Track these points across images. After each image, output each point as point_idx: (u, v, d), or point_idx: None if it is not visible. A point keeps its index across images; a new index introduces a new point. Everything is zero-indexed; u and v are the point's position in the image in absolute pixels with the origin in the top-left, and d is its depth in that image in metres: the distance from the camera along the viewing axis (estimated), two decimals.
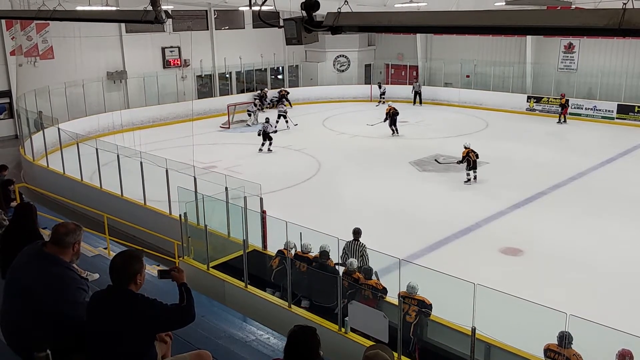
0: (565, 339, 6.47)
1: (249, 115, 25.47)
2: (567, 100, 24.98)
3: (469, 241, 12.44)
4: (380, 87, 30.20)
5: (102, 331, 3.33)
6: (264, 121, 21.08)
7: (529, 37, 26.54)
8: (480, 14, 4.60)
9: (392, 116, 22.84)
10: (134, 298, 3.36)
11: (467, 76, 29.66)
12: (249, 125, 25.14)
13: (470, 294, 6.37)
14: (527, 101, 27.23)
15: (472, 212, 13.89)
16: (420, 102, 29.85)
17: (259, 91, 29.06)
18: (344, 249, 9.43)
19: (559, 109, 25.12)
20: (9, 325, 3.63)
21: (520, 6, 19.00)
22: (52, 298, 3.50)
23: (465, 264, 10.50)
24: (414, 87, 30.17)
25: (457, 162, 16.75)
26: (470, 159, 16.27)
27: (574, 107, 25.79)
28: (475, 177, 16.42)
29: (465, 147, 16.45)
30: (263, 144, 20.44)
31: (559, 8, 18.63)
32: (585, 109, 25.61)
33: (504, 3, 19.26)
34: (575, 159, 18.64)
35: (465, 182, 16.36)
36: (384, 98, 29.49)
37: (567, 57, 26.91)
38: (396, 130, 22.81)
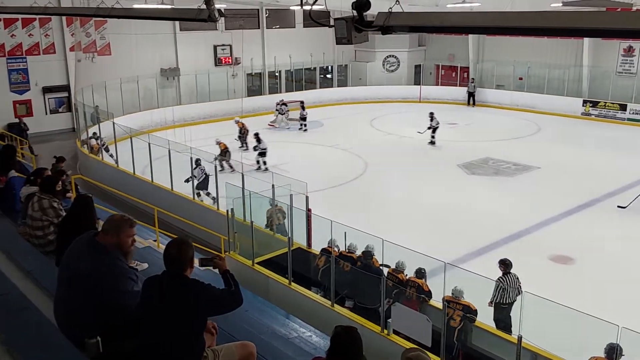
0: (615, 351, 6.25)
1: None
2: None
3: (518, 247, 12.13)
4: (431, 120, 21.26)
5: (158, 316, 3.39)
6: None
7: (586, 40, 25.64)
8: (536, 15, 4.47)
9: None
10: (189, 282, 3.44)
11: (520, 78, 28.93)
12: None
13: (518, 301, 6.23)
14: (583, 105, 26.33)
15: (522, 218, 13.55)
16: (474, 104, 29.37)
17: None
18: (499, 284, 8.28)
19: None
20: (61, 311, 3.75)
21: (578, 7, 18.37)
22: (102, 286, 3.59)
23: (513, 270, 10.24)
24: (468, 88, 29.70)
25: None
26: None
27: (633, 113, 24.87)
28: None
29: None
30: None
31: (619, 10, 17.94)
32: None
33: (561, 4, 18.66)
34: (634, 166, 17.90)
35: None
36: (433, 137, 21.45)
37: (627, 60, 25.85)
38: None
